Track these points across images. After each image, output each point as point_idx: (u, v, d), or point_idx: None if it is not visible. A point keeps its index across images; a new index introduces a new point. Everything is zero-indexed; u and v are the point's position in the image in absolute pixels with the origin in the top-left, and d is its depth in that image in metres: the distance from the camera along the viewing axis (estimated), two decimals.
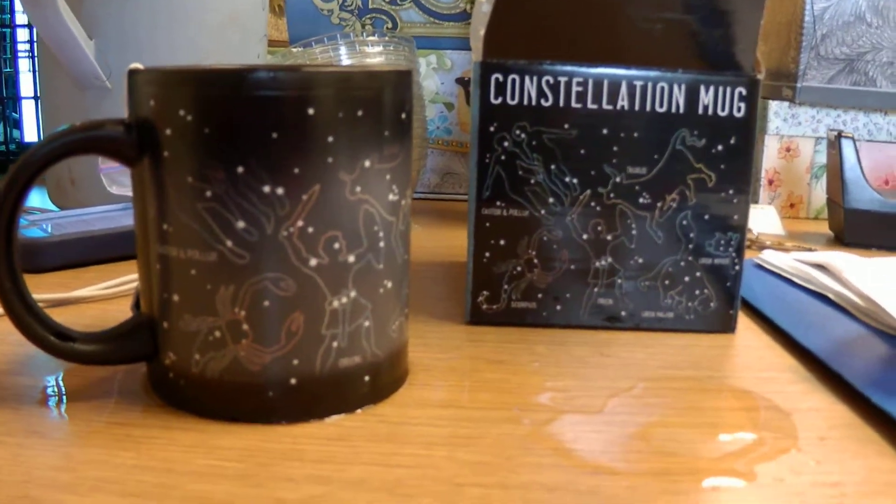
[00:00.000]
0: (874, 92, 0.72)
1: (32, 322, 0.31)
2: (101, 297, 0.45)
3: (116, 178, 0.52)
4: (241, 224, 0.29)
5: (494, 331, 0.41)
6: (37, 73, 0.85)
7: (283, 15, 1.18)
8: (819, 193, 0.74)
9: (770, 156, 0.73)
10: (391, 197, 0.32)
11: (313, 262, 0.30)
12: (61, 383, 0.34)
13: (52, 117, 0.64)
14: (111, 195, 0.56)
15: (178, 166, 0.29)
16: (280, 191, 0.29)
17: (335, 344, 0.31)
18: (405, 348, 0.35)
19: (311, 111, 0.29)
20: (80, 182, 0.62)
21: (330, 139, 0.29)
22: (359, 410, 0.32)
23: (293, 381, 0.30)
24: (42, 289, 0.45)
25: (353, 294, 0.31)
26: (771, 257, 0.51)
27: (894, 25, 0.70)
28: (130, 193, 0.55)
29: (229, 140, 0.29)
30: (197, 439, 0.30)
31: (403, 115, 0.32)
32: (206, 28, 0.61)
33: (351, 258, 0.30)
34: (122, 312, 0.43)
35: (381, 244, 0.31)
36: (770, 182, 0.74)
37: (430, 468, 0.28)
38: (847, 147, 0.62)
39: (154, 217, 0.30)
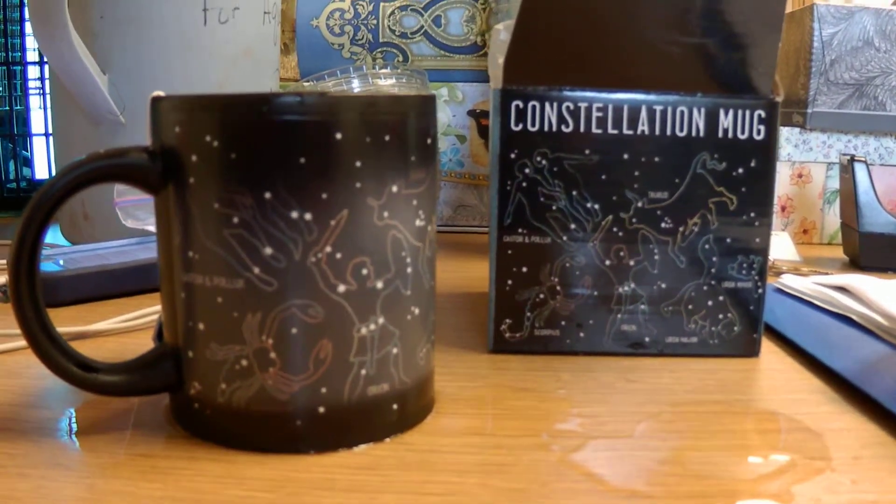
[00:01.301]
0: (884, 116, 0.72)
1: (56, 353, 0.31)
2: (121, 330, 0.44)
3: (132, 212, 0.52)
4: (268, 250, 0.29)
5: (518, 359, 0.41)
6: (48, 110, 0.86)
7: (290, 52, 1.19)
8: (832, 218, 0.73)
9: (782, 182, 0.73)
10: (418, 223, 0.31)
11: (341, 288, 0.29)
12: (81, 415, 0.34)
13: (66, 153, 0.64)
14: (126, 230, 0.55)
15: (204, 193, 0.29)
16: (308, 216, 0.29)
17: (363, 372, 0.30)
18: (432, 376, 0.34)
19: (338, 136, 0.29)
20: (95, 217, 0.62)
21: (357, 164, 0.29)
22: (387, 439, 0.32)
23: (321, 409, 0.30)
24: (58, 323, 0.45)
25: (381, 321, 0.30)
26: (791, 281, 0.50)
27: None
28: (146, 227, 0.55)
29: (256, 165, 0.28)
30: (225, 470, 0.29)
31: (429, 141, 0.32)
32: (219, 61, 0.61)
33: (379, 284, 0.30)
34: (142, 345, 0.42)
35: (409, 270, 0.31)
36: (783, 208, 0.74)
37: (463, 496, 0.28)
38: (860, 171, 0.61)
39: (179, 245, 0.30)
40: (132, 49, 0.59)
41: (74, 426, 0.33)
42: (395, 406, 0.32)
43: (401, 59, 0.80)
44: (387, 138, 0.30)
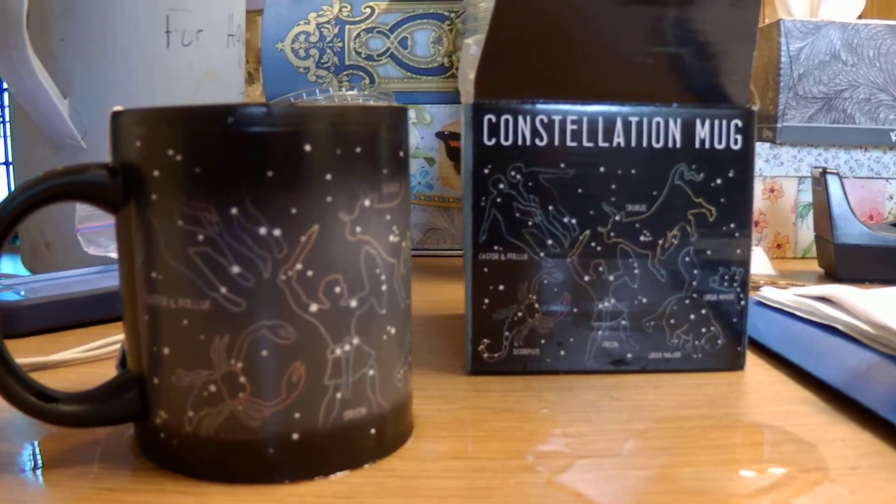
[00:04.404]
0: (853, 129, 0.72)
1: (12, 382, 0.29)
2: (82, 361, 0.42)
3: (94, 239, 0.50)
4: (235, 269, 0.27)
5: (498, 380, 0.39)
6: (7, 138, 0.84)
7: (255, 82, 1.17)
8: (805, 232, 0.73)
9: (755, 197, 0.72)
10: (392, 238, 0.30)
11: (314, 307, 0.28)
12: (43, 449, 0.32)
13: (25, 179, 0.62)
14: (88, 258, 0.54)
15: (167, 210, 0.28)
16: (277, 232, 0.27)
17: (339, 395, 0.29)
18: (410, 399, 0.33)
19: (307, 147, 0.27)
20: (56, 245, 0.60)
21: (328, 177, 0.28)
22: (366, 465, 0.30)
23: (295, 436, 0.28)
24: (18, 354, 0.43)
25: (355, 341, 0.29)
26: (771, 293, 0.50)
27: (869, 63, 0.71)
28: (108, 254, 0.53)
29: (222, 180, 0.27)
30: (194, 503, 0.27)
31: (401, 153, 0.30)
32: (182, 84, 0.60)
33: (353, 303, 0.29)
34: (105, 374, 0.40)
35: (384, 287, 0.30)
36: (756, 223, 0.73)
37: None
38: (833, 183, 0.61)
39: (141, 265, 0.29)
40: (93, 72, 0.57)
41: (36, 460, 0.31)
42: (372, 431, 0.30)
43: (367, 81, 0.79)
44: (358, 150, 0.28)
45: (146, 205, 0.28)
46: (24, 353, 0.44)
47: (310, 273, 0.28)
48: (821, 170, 0.61)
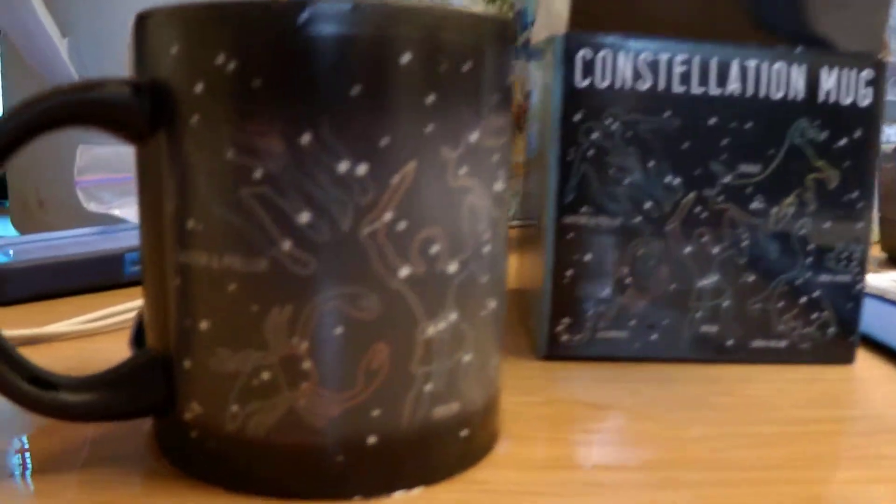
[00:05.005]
0: None
1: (0, 365, 0.21)
2: (82, 333, 0.34)
3: (94, 194, 0.42)
4: (304, 217, 0.19)
5: (577, 367, 0.32)
6: None
7: None
8: None
9: None
10: (497, 186, 0.22)
11: (404, 271, 0.20)
12: (35, 448, 0.24)
13: None
14: (87, 218, 0.45)
15: (212, 137, 0.20)
16: (362, 169, 0.19)
17: (428, 387, 0.21)
18: (500, 393, 0.25)
19: (405, 58, 0.19)
20: (50, 203, 0.51)
21: (430, 99, 0.20)
22: (455, 476, 0.22)
23: (372, 439, 0.21)
24: (5, 325, 0.35)
25: (453, 317, 0.21)
26: (871, 279, 0.42)
27: None
28: (111, 211, 0.45)
29: (290, 97, 0.19)
30: None
31: (510, 79, 0.23)
32: None
33: (452, 267, 0.21)
34: (111, 352, 0.32)
35: (486, 249, 0.22)
36: None
37: None
38: None
39: (173, 213, 0.21)
40: (96, 8, 0.49)
41: (25, 462, 0.23)
42: (464, 432, 0.22)
43: None
44: (466, 67, 0.21)
45: (183, 131, 0.20)
46: (13, 323, 0.36)
47: (401, 226, 0.20)
48: (894, 145, 0.54)
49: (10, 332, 0.33)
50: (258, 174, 0.19)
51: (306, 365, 0.20)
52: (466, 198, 0.21)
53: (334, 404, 0.20)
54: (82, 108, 0.21)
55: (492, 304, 0.23)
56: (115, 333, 0.35)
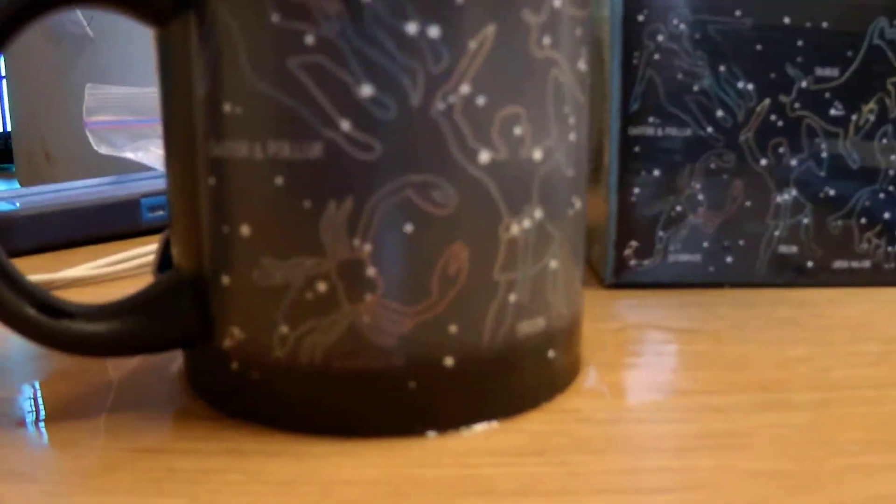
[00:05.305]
0: None
1: (3, 288, 0.17)
2: (101, 278, 0.31)
3: (106, 136, 0.38)
4: (366, 90, 0.16)
5: (649, 294, 0.28)
6: None
7: None
8: None
9: None
10: (580, 65, 0.18)
11: (485, 156, 0.16)
12: (49, 392, 0.20)
13: (20, 83, 0.50)
14: (98, 169, 0.42)
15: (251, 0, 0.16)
16: (434, 31, 0.16)
17: (512, 297, 0.17)
18: (583, 311, 0.21)
19: None
20: (58, 156, 0.48)
21: None
22: (542, 405, 0.19)
23: (449, 360, 0.17)
24: None
25: (538, 214, 0.18)
26: None
27: None
28: (125, 154, 0.42)
29: None
30: (293, 471, 0.16)
31: None
32: None
33: (537, 154, 0.17)
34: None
35: (572, 137, 0.18)
36: None
37: (710, 489, 0.15)
38: None
39: (205, 97, 0.17)
40: None
41: (38, 409, 0.19)
42: (550, 353, 0.19)
43: None
44: None
45: None
46: (23, 271, 0.32)
47: (481, 101, 0.16)
48: None
49: None
50: (310, 40, 0.16)
51: (370, 272, 0.16)
52: (550, 72, 0.17)
53: (405, 319, 0.17)
54: None
55: (577, 202, 0.19)
56: (138, 277, 0.31)
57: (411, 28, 0.16)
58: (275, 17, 0.16)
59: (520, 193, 0.17)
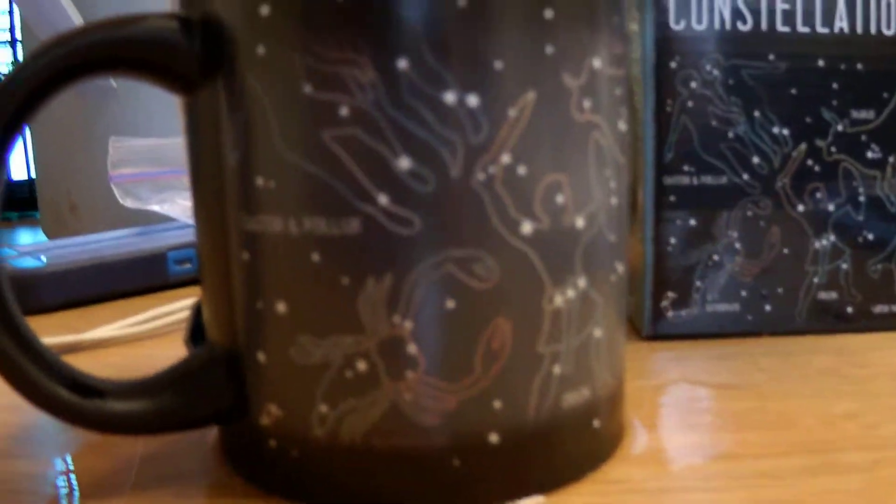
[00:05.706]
0: None
1: (32, 368, 0.17)
2: (128, 338, 0.30)
3: (131, 189, 0.37)
4: (404, 163, 0.15)
5: (687, 345, 0.27)
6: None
7: None
8: None
9: None
10: (621, 125, 0.18)
11: (527, 226, 0.16)
12: (81, 467, 0.20)
13: (44, 134, 0.50)
14: (124, 220, 0.41)
15: (284, 69, 0.15)
16: (473, 100, 0.15)
17: (556, 369, 0.17)
18: (625, 376, 0.21)
19: None
20: (83, 207, 0.47)
21: (548, 13, 0.15)
22: (587, 475, 0.18)
23: (494, 437, 0.16)
24: (41, 334, 0.31)
25: (582, 283, 0.17)
26: None
27: None
28: (150, 207, 0.41)
29: (381, 14, 0.15)
30: None
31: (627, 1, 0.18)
32: None
33: (580, 222, 0.17)
34: (162, 357, 0.28)
35: (614, 201, 0.17)
36: None
37: None
38: None
39: (236, 168, 0.16)
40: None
41: (71, 485, 0.19)
42: (595, 423, 0.18)
43: None
44: None
45: (246, 67, 0.16)
46: (49, 331, 0.31)
47: (522, 170, 0.16)
48: None
49: (46, 340, 0.28)
50: (344, 112, 0.15)
51: (411, 349, 0.16)
52: (592, 136, 0.17)
53: (448, 396, 0.16)
54: (117, 47, 0.16)
55: (619, 267, 0.18)
56: (166, 337, 0.30)
57: (449, 97, 0.15)
58: (307, 88, 0.15)
59: (563, 263, 0.16)
